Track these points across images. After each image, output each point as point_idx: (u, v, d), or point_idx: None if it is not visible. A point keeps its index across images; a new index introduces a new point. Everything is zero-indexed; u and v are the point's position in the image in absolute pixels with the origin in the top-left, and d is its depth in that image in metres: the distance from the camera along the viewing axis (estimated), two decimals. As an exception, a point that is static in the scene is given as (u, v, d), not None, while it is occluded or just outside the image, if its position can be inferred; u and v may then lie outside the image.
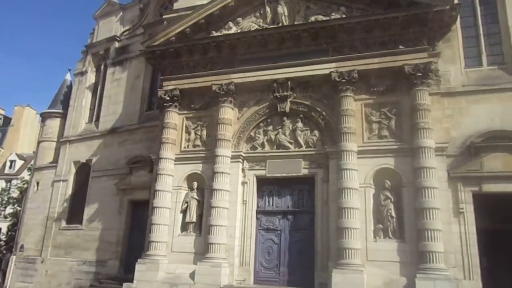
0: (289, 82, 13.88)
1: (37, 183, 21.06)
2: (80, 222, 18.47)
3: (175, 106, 15.25)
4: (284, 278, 13.40)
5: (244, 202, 14.10)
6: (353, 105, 13.06)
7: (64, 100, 22.41)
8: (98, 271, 17.01)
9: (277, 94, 14.04)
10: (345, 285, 11.42)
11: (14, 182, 42.07)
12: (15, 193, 36.81)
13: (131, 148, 17.98)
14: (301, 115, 14.00)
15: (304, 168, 13.67)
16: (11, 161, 49.07)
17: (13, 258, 20.44)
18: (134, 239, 16.46)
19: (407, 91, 12.67)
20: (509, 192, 11.69)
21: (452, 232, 11.66)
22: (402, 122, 12.68)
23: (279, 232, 13.90)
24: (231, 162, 14.16)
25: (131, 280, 13.68)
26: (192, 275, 13.13)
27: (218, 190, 13.76)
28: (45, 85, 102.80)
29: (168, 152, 14.79)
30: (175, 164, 14.82)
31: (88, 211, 18.37)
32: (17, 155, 49.59)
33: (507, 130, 11.90)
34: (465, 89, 12.85)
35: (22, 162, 48.44)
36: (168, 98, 15.19)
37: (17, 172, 46.70)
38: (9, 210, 36.94)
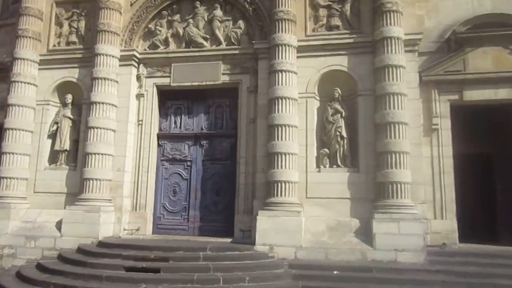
0: None
1: None
2: None
3: (39, -15, 10.41)
4: (195, 225, 9.82)
5: (140, 122, 10.05)
6: (292, -18, 9.13)
7: None
8: None
9: (186, -34, 9.73)
10: (275, 232, 8.09)
11: None
12: None
13: (-10, 54, 12.90)
14: (220, -1, 9.91)
15: (224, 74, 9.81)
16: None
17: None
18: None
19: (370, -42, 8.89)
20: (498, 100, 8.61)
21: (422, 157, 8.50)
22: (360, 5, 8.99)
23: (189, 163, 10.14)
24: (120, 65, 9.96)
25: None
26: (60, 224, 9.13)
27: (100, 103, 9.58)
28: None
29: (28, 51, 10.19)
30: (39, 68, 10.34)
31: None
32: None
33: (503, 13, 8.54)
34: (447, -41, 9.31)
35: None
36: (26, -29, 10.29)
37: None
38: None
